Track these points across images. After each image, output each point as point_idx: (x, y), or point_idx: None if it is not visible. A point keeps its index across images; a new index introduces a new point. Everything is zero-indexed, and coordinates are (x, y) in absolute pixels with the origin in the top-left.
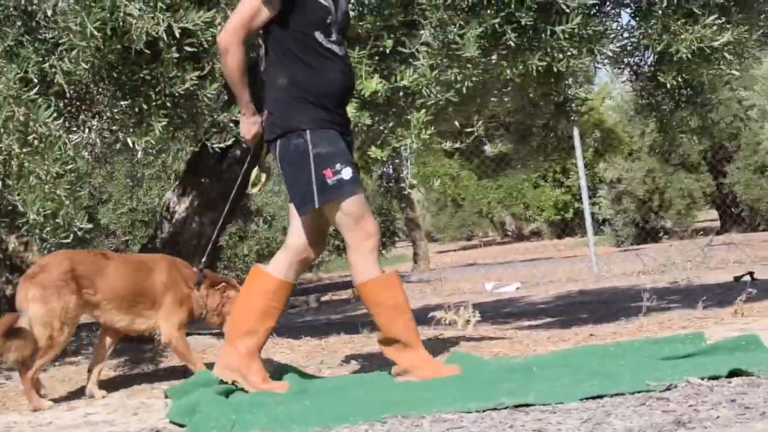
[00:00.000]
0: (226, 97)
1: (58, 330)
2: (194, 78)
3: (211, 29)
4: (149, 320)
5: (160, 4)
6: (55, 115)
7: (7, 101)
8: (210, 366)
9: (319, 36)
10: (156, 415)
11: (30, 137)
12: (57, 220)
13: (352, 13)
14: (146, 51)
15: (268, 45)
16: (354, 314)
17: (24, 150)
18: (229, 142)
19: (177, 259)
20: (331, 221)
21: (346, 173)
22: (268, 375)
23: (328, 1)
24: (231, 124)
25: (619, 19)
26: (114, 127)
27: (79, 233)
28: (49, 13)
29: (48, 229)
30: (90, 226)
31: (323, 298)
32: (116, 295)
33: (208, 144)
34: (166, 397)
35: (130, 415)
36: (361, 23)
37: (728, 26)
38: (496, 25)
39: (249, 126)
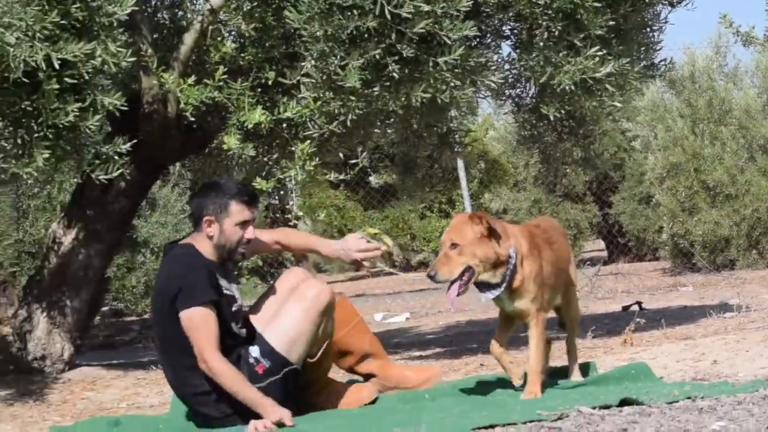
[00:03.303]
0: (109, 129)
1: None
2: (76, 110)
3: (92, 61)
4: None
5: (38, 34)
6: None
7: None
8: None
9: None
10: None
11: None
12: None
13: (234, 45)
14: (26, 81)
15: None
16: None
17: None
18: (115, 174)
19: None
20: None
21: None
22: None
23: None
24: (115, 156)
25: (500, 51)
26: None
27: None
28: None
29: None
30: None
31: None
32: None
33: (93, 176)
34: None
35: None
36: (242, 55)
37: (610, 58)
38: (378, 57)
39: None
